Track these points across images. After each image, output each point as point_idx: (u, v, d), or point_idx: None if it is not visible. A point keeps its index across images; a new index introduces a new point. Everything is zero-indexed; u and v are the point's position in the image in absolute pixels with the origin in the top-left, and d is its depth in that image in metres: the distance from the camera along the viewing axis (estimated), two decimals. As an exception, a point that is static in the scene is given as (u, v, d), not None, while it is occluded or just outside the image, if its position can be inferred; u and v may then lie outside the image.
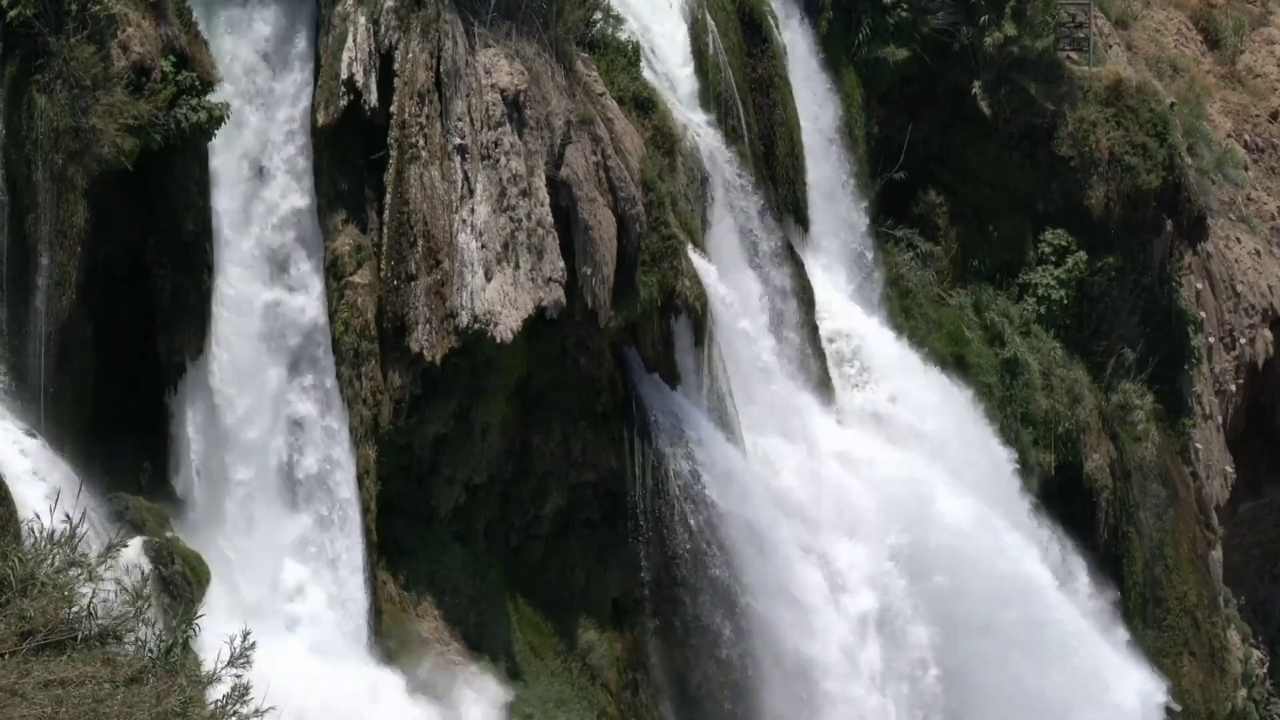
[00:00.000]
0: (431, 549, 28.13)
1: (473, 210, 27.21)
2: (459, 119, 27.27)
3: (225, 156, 25.54)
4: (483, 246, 27.12)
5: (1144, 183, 40.74)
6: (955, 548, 33.76)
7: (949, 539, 33.78)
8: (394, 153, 26.98)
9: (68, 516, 12.87)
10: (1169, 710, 37.66)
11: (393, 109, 27.07)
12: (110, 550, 12.74)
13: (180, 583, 23.49)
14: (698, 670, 30.67)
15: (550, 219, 27.74)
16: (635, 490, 29.90)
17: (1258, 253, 47.47)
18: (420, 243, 26.90)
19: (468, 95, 27.40)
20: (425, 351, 26.80)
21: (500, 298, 27.10)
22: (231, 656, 11.39)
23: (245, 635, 11.70)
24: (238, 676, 11.55)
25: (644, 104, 31.06)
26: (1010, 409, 38.53)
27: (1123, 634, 38.12)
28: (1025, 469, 38.01)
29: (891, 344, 36.71)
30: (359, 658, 26.53)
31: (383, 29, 27.10)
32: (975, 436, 37.20)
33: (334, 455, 26.61)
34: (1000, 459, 37.34)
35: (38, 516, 13.62)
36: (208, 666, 11.88)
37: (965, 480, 35.09)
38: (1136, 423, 41.10)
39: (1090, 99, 40.91)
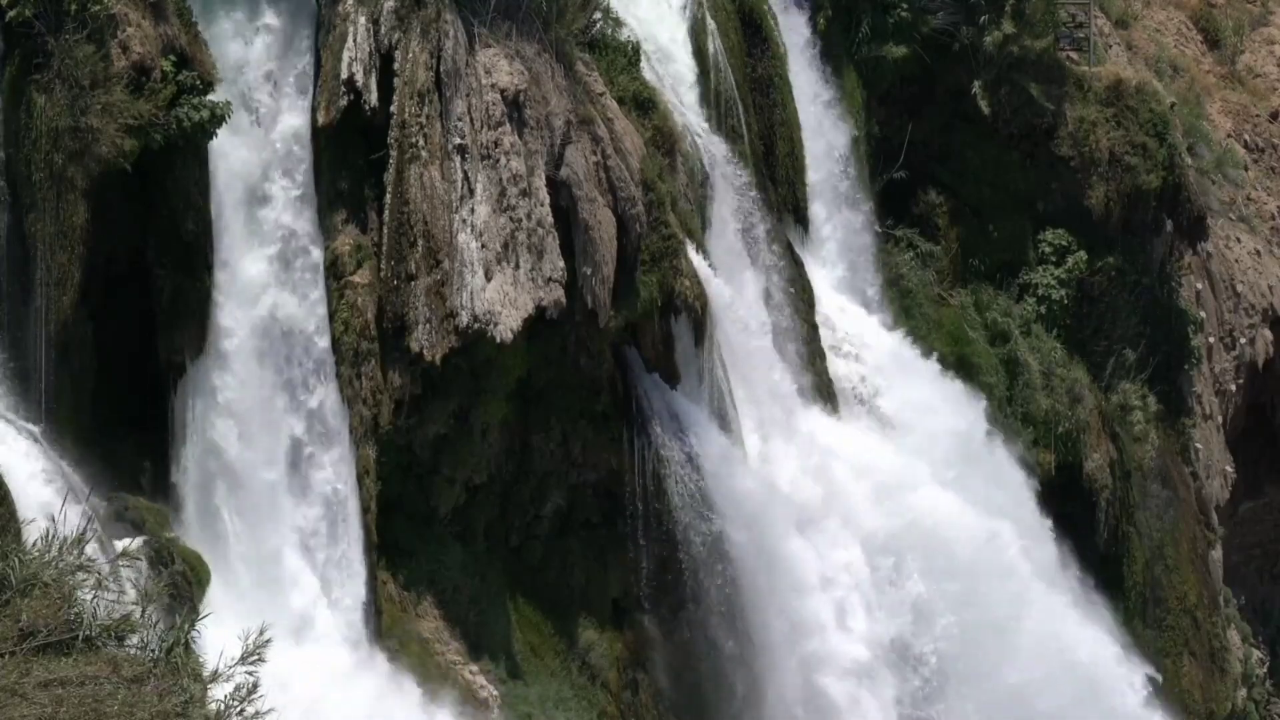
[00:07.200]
0: (431, 549, 28.12)
1: (473, 210, 27.20)
2: (459, 119, 27.25)
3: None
4: (483, 246, 27.10)
5: (1144, 183, 40.74)
6: (953, 543, 33.76)
7: (946, 534, 33.78)
8: (394, 153, 26.96)
9: (78, 526, 12.84)
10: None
11: (393, 109, 27.05)
12: (120, 558, 12.71)
13: (180, 583, 23.46)
14: (698, 669, 30.65)
15: (550, 219, 27.72)
16: (635, 490, 29.89)
17: (1258, 253, 47.47)
18: (420, 243, 26.87)
19: (468, 95, 27.39)
20: (425, 351, 26.77)
21: (500, 298, 27.08)
22: (244, 654, 11.33)
23: (261, 631, 11.62)
24: (249, 674, 11.49)
25: (644, 104, 31.05)
26: (1010, 409, 38.52)
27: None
28: (1025, 469, 38.00)
29: (892, 343, 36.69)
30: (359, 657, 26.50)
31: (383, 29, 27.08)
32: (974, 431, 37.17)
33: (334, 455, 26.59)
34: (999, 451, 37.33)
35: (53, 520, 13.59)
36: (209, 666, 11.83)
37: (962, 473, 35.10)
38: (1136, 423, 41.09)
39: (1090, 99, 40.91)
